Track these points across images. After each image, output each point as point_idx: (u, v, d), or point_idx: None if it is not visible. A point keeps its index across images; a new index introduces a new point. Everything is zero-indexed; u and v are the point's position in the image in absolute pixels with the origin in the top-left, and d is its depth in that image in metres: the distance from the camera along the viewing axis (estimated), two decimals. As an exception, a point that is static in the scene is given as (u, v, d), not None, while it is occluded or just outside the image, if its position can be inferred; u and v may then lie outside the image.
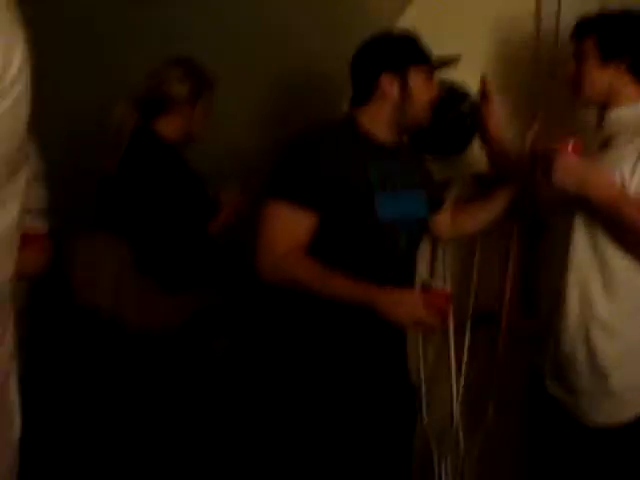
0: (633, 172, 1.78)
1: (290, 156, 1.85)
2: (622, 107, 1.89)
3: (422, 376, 2.37)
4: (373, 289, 1.73)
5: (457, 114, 2.37)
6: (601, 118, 1.93)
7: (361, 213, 1.82)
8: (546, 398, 1.92)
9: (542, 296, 2.05)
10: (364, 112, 1.89)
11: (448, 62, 2.06)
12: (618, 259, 1.81)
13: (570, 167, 1.78)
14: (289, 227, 1.77)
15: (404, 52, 1.87)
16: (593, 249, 1.82)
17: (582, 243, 1.83)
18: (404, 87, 1.85)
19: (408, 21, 2.33)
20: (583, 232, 1.84)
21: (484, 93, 2.10)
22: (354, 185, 1.80)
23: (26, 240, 0.79)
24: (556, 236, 1.94)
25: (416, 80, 1.86)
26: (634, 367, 1.81)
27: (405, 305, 1.75)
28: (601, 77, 1.88)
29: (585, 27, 1.90)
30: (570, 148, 1.79)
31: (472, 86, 2.25)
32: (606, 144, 1.87)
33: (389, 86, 1.85)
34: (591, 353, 1.80)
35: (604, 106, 1.91)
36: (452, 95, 2.35)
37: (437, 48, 1.96)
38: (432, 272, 2.38)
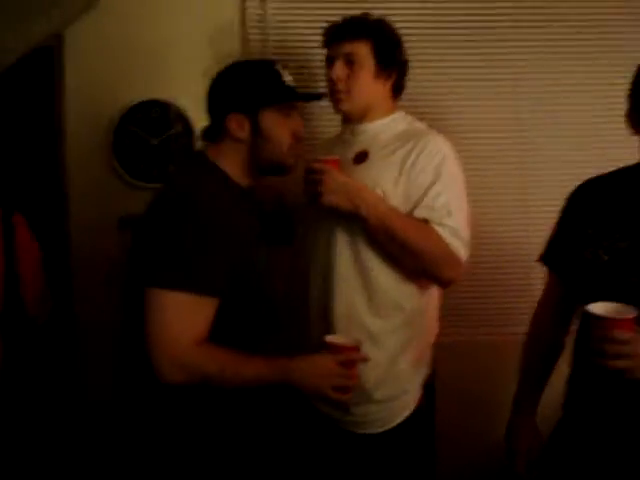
0: (395, 186, 1.79)
1: (175, 235, 1.49)
2: (377, 120, 1.91)
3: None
4: (286, 362, 1.56)
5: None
6: (348, 130, 1.93)
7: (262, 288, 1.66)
8: (314, 415, 1.91)
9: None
10: (218, 150, 1.66)
11: (311, 97, 1.95)
12: (381, 277, 1.82)
13: (339, 185, 1.75)
14: (189, 318, 1.49)
15: (255, 92, 1.64)
16: (357, 269, 1.82)
17: (346, 259, 1.83)
18: (256, 129, 1.63)
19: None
20: (346, 247, 1.83)
21: None
22: (253, 260, 1.61)
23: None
24: (314, 249, 1.90)
25: (270, 121, 1.64)
26: (395, 379, 1.83)
27: (320, 371, 1.56)
28: (372, 88, 1.88)
29: (358, 30, 1.88)
30: (334, 165, 1.76)
31: (185, 105, 2.16)
32: (362, 158, 1.86)
33: (238, 128, 1.63)
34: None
35: (357, 118, 1.91)
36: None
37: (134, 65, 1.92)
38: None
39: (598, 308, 1.41)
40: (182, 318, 1.48)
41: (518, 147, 2.69)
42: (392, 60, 1.90)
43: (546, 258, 1.83)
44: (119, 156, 2.55)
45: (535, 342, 1.85)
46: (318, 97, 1.89)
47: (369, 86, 1.88)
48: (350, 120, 1.94)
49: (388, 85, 1.92)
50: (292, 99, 1.69)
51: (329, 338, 1.62)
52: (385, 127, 1.91)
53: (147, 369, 1.51)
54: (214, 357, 1.51)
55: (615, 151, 2.17)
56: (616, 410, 1.59)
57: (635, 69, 1.61)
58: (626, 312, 1.40)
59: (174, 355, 1.49)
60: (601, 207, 1.67)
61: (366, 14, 1.94)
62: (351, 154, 1.88)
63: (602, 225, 1.64)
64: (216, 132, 1.67)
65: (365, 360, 1.63)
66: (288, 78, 1.68)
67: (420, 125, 1.95)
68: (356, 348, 1.60)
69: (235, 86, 1.66)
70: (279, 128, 1.65)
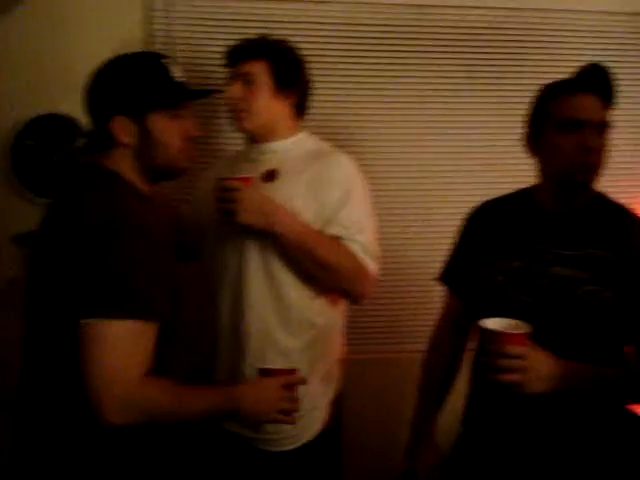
0: (306, 204, 1.82)
1: (111, 259, 1.33)
2: (283, 140, 1.93)
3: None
4: (232, 390, 1.51)
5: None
6: (254, 149, 1.94)
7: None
8: (222, 435, 1.89)
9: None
10: (113, 159, 1.51)
11: (203, 94, 1.75)
12: (293, 293, 1.83)
13: (255, 203, 1.74)
14: (135, 349, 1.35)
15: (140, 91, 1.48)
16: (269, 286, 1.83)
17: (257, 276, 1.83)
18: (144, 133, 1.49)
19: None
20: (257, 265, 1.83)
21: None
22: (176, 277, 1.51)
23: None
24: (224, 266, 1.89)
25: (158, 123, 1.49)
26: (305, 395, 1.81)
27: (267, 396, 1.53)
28: (272, 107, 1.90)
29: (255, 50, 1.91)
30: (248, 183, 1.75)
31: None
32: (271, 177, 1.88)
33: (124, 133, 1.48)
34: None
35: (261, 137, 1.92)
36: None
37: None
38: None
39: (492, 323, 1.45)
40: (128, 350, 1.33)
41: (422, 168, 2.75)
42: (291, 80, 1.92)
43: (444, 277, 1.89)
44: (19, 172, 2.45)
45: (433, 359, 1.90)
46: (209, 93, 1.75)
47: (268, 105, 1.90)
48: (255, 139, 1.95)
49: (289, 104, 1.93)
50: (181, 99, 1.54)
51: (265, 367, 1.63)
52: (293, 146, 1.93)
53: (72, 412, 1.37)
54: (166, 391, 1.38)
55: (516, 173, 2.24)
56: (512, 425, 1.64)
57: (535, 95, 1.70)
58: (519, 328, 1.45)
59: (124, 394, 1.33)
60: (496, 228, 1.74)
61: (265, 35, 1.96)
62: (258, 173, 1.88)
63: (497, 245, 1.71)
64: (103, 138, 1.51)
65: (304, 382, 1.62)
66: (177, 73, 1.54)
67: (326, 145, 1.98)
68: (294, 371, 1.61)
69: (117, 85, 1.49)
70: (168, 130, 1.51)
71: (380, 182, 2.63)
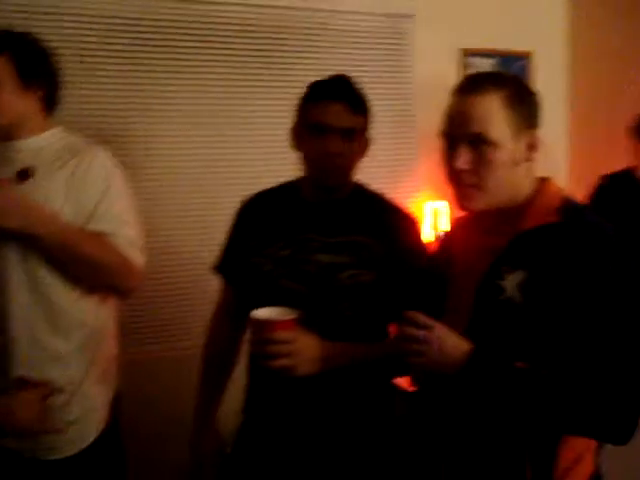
0: (66, 201, 1.77)
1: None
2: (34, 136, 1.84)
3: None
4: None
5: None
6: (3, 147, 1.83)
7: None
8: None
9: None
10: None
11: None
12: (60, 295, 1.79)
13: (11, 204, 1.67)
14: None
15: None
16: (32, 289, 1.76)
17: (19, 280, 1.76)
18: None
19: None
20: (18, 269, 1.76)
21: None
22: None
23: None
24: None
25: None
26: (83, 398, 1.81)
27: (26, 407, 1.49)
28: (18, 103, 1.80)
29: None
30: (1, 185, 1.67)
31: None
32: (26, 176, 1.81)
33: None
34: None
35: (10, 135, 1.82)
36: None
37: None
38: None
39: (261, 313, 1.51)
40: None
41: (200, 164, 2.79)
42: (37, 73, 1.82)
43: (218, 267, 1.93)
44: None
45: (211, 349, 1.93)
46: None
47: (14, 101, 1.79)
48: (5, 137, 1.83)
49: (37, 99, 1.83)
50: None
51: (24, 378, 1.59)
52: (46, 142, 1.84)
53: None
54: None
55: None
56: (286, 408, 1.71)
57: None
58: (287, 314, 1.51)
59: None
60: (266, 218, 1.80)
61: (8, 28, 1.84)
62: (11, 172, 1.78)
63: (266, 235, 1.77)
64: None
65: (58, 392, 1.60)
66: None
67: (82, 140, 1.91)
68: (45, 384, 1.57)
69: None
70: None
71: (157, 176, 2.61)
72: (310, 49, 2.96)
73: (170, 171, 2.71)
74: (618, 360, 1.23)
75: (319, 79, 1.75)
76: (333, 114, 1.66)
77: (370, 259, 1.68)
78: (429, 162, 3.20)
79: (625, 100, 3.13)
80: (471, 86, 1.37)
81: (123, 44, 2.61)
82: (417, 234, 1.78)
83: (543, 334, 1.28)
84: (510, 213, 1.38)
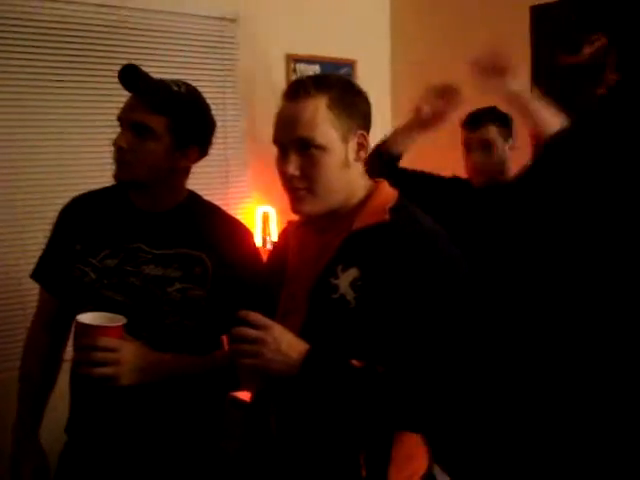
0: None
1: None
2: None
3: None
4: None
5: None
6: None
7: None
8: None
9: None
10: None
11: None
12: None
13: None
14: None
15: None
16: None
17: None
18: None
19: None
20: None
21: None
22: None
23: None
24: None
25: None
26: None
27: None
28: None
29: None
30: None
31: None
32: None
33: None
34: None
35: None
36: None
37: None
38: None
39: (87, 317, 1.42)
40: None
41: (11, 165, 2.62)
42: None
43: (37, 274, 1.79)
44: None
45: (31, 362, 1.79)
46: None
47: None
48: None
49: None
50: None
51: None
52: None
53: None
54: None
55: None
56: (111, 426, 1.63)
57: None
58: (114, 320, 1.44)
59: None
60: (90, 224, 1.70)
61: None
62: None
63: (90, 242, 1.67)
64: None
65: None
66: None
67: None
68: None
69: None
70: None
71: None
72: (126, 49, 2.85)
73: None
74: (442, 358, 1.26)
75: None
76: (127, 106, 1.62)
77: (199, 274, 1.63)
78: (258, 167, 3.22)
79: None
80: (296, 91, 1.36)
81: None
82: (250, 244, 1.75)
83: (375, 332, 1.29)
84: (345, 213, 1.39)
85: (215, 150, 3.09)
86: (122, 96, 1.62)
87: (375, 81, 3.61)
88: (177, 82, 1.67)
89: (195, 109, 1.66)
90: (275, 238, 3.17)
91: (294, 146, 1.34)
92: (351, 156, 1.37)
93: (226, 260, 1.65)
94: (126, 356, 1.44)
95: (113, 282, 1.62)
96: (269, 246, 3.15)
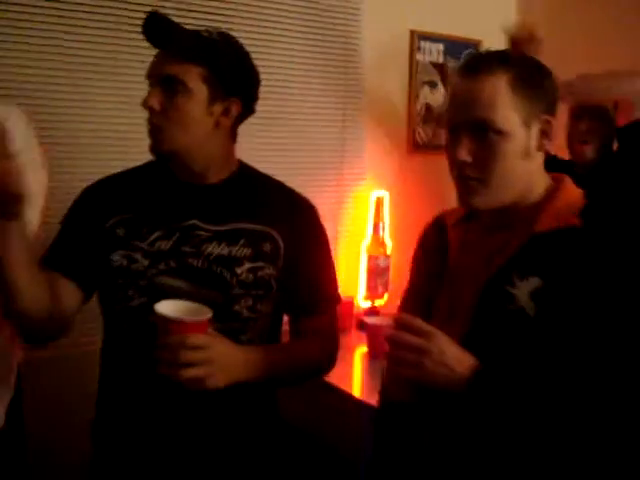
0: None
1: None
2: None
3: None
4: None
5: None
6: None
7: None
8: None
9: None
10: None
11: None
12: None
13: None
14: None
15: None
16: None
17: None
18: None
19: None
20: None
21: None
22: None
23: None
24: None
25: None
26: None
27: None
28: None
29: None
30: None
31: None
32: None
33: None
34: None
35: None
36: None
37: None
38: None
39: (168, 308, 1.26)
40: None
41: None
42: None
43: (50, 260, 1.50)
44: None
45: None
46: None
47: None
48: None
49: None
50: None
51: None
52: None
53: None
54: None
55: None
56: (184, 426, 1.45)
57: None
58: (199, 313, 1.27)
59: None
60: (127, 204, 1.50)
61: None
62: None
63: (134, 224, 1.47)
64: None
65: None
66: None
67: None
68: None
69: None
70: None
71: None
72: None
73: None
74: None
75: None
76: (155, 61, 1.45)
77: (270, 251, 1.48)
78: (376, 148, 3.04)
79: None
80: (476, 67, 1.19)
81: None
82: (320, 221, 1.60)
83: (556, 350, 1.11)
84: (521, 212, 1.21)
85: (332, 127, 3.03)
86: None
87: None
88: (208, 29, 1.48)
89: (232, 55, 1.46)
90: (387, 224, 2.99)
91: (468, 128, 1.17)
92: (533, 144, 1.19)
93: (297, 236, 1.51)
94: (215, 355, 1.28)
95: (171, 267, 1.45)
96: (381, 233, 2.97)
